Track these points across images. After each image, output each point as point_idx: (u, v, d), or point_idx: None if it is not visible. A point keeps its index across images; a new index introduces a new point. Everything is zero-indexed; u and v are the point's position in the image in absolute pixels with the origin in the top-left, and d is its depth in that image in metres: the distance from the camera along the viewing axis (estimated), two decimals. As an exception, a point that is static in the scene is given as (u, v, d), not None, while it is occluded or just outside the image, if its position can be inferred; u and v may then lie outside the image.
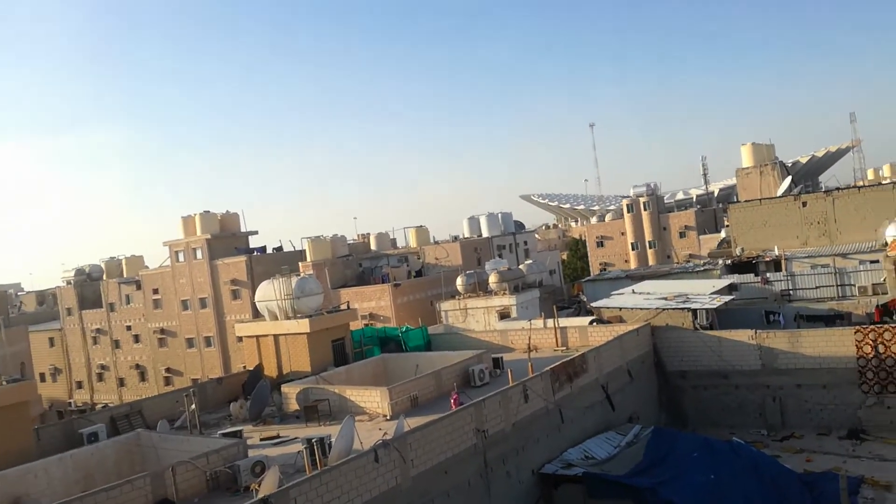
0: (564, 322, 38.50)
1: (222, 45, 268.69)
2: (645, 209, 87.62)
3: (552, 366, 28.36)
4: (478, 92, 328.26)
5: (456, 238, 71.19)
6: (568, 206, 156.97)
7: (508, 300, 47.09)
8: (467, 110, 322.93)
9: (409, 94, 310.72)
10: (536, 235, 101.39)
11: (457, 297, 50.15)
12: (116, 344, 68.13)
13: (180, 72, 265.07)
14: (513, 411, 25.15)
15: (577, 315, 43.98)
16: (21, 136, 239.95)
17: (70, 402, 70.54)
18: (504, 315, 46.62)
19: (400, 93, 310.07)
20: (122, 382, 67.69)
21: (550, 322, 38.01)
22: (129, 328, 67.06)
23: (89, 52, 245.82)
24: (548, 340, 37.36)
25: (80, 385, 71.37)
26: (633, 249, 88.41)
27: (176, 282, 62.38)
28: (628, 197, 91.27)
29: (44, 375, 71.52)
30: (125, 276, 69.20)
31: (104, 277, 70.75)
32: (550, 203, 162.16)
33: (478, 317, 48.07)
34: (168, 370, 63.54)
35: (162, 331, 63.83)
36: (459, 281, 50.86)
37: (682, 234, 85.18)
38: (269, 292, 37.03)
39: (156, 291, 64.22)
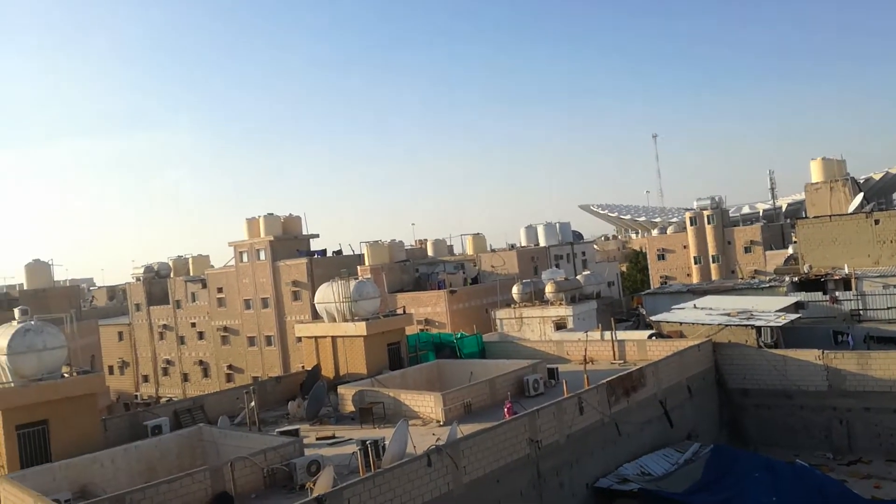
0: (622, 335, 37.96)
1: (289, 52, 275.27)
2: (709, 222, 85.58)
3: (609, 379, 27.99)
4: (539, 101, 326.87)
5: (513, 246, 70.98)
6: (628, 217, 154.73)
7: (565, 311, 46.67)
8: (528, 119, 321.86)
9: (469, 103, 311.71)
10: (595, 246, 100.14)
11: (512, 305, 49.98)
12: (181, 340, 70.27)
13: (250, 76, 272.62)
14: (567, 423, 24.91)
15: (636, 328, 43.27)
16: (96, 136, 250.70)
17: (136, 395, 73.10)
18: (560, 325, 46.22)
19: (460, 101, 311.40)
20: (185, 377, 69.75)
21: (608, 334, 37.52)
22: (193, 325, 69.05)
23: (162, 55, 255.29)
24: (605, 353, 36.89)
25: (146, 379, 73.87)
26: (695, 263, 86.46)
27: (239, 281, 64.01)
28: (692, 209, 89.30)
29: (112, 368, 74.31)
30: (192, 274, 71.35)
31: (172, 275, 73.10)
32: (610, 214, 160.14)
33: (533, 326, 47.79)
34: (230, 367, 65.22)
35: (225, 329, 65.55)
36: (515, 289, 50.67)
37: (747, 250, 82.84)
38: (328, 294, 37.69)
39: (220, 290, 66.02)
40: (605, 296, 54.66)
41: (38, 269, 54.64)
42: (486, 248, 70.23)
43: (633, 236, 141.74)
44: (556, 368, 32.95)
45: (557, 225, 71.73)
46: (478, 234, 71.42)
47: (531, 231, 71.80)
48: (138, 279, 75.49)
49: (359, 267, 58.48)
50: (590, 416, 25.94)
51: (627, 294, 70.85)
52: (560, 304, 47.38)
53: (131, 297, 76.03)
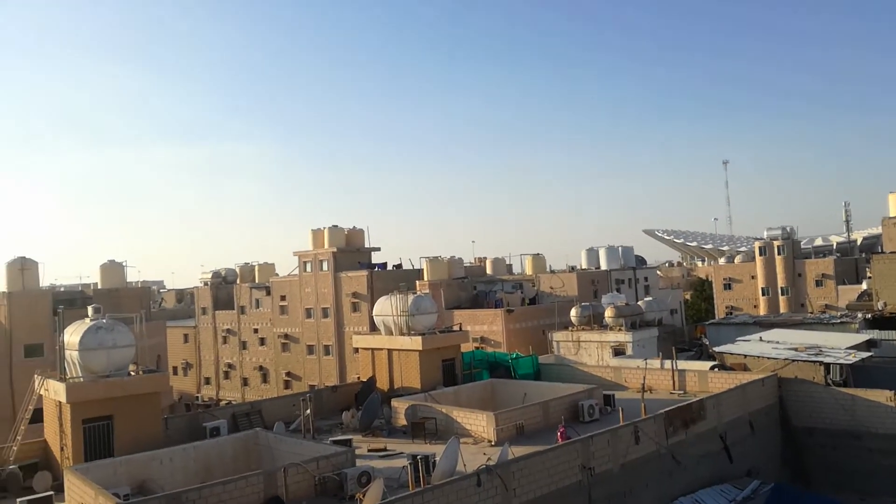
0: (683, 365, 37.04)
1: (356, 70, 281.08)
2: (779, 253, 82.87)
3: (667, 409, 27.34)
4: (607, 122, 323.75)
5: (573, 268, 70.23)
6: (695, 244, 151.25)
7: (624, 336, 45.86)
8: (594, 140, 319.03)
9: (535, 123, 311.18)
10: (658, 272, 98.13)
11: (570, 328, 49.40)
12: (244, 345, 71.96)
13: (320, 92, 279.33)
14: (622, 451, 24.42)
15: (698, 359, 42.10)
16: (175, 144, 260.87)
17: (197, 397, 75.10)
18: (619, 351, 45.43)
19: (526, 121, 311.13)
20: (245, 382, 71.33)
21: (668, 363, 36.69)
22: (256, 331, 70.66)
23: (238, 72, 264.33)
24: (664, 382, 36.04)
25: (207, 381, 75.86)
26: (763, 295, 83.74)
27: (302, 290, 65.28)
28: (761, 239, 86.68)
29: (176, 369, 76.56)
30: (257, 281, 73.09)
31: (238, 281, 75.01)
32: (676, 240, 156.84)
33: (590, 350, 47.11)
34: (288, 374, 66.39)
35: (286, 336, 66.86)
36: (574, 312, 50.09)
37: (818, 283, 79.83)
38: (387, 307, 38.08)
39: (283, 298, 67.43)
40: (666, 323, 53.45)
41: (112, 269, 56.95)
42: (545, 269, 69.73)
43: (699, 264, 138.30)
44: (613, 395, 32.38)
45: (620, 249, 70.68)
46: (537, 254, 71.02)
47: (592, 254, 70.97)
48: (206, 284, 77.67)
49: (417, 282, 58.88)
50: (646, 445, 25.36)
51: (690, 323, 69.06)
52: (619, 329, 46.57)
53: (198, 300, 78.28)
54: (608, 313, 47.69)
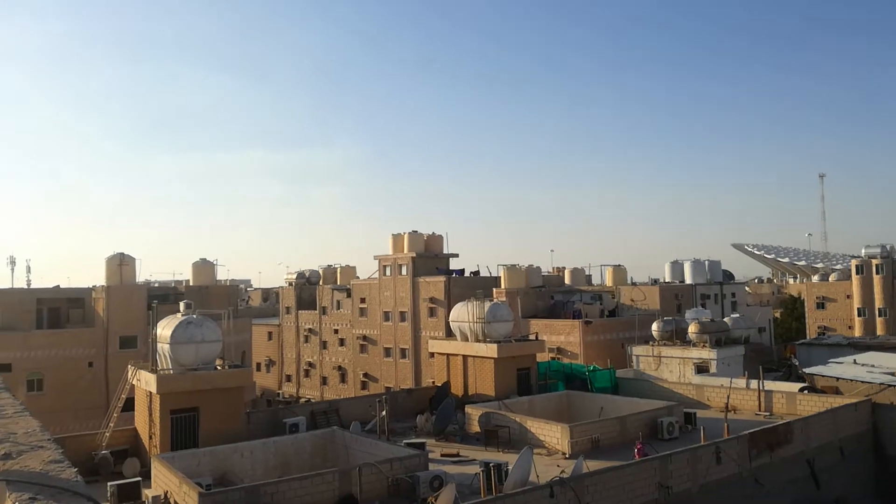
0: (770, 385, 35.51)
1: (437, 78, 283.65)
2: (877, 272, 78.37)
3: (751, 430, 26.29)
4: (694, 130, 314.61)
5: (655, 281, 68.44)
6: (786, 260, 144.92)
7: (708, 353, 44.37)
8: (682, 151, 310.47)
9: (621, 129, 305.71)
10: (747, 288, 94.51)
11: (651, 342, 48.19)
12: (324, 345, 73.64)
13: (403, 102, 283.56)
14: (702, 472, 23.62)
15: (787, 379, 40.31)
16: (260, 149, 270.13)
17: (278, 393, 77.30)
18: (702, 369, 43.96)
19: (608, 130, 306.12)
20: (324, 381, 72.94)
21: (754, 383, 35.25)
22: (336, 331, 72.20)
23: (327, 82, 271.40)
24: (749, 402, 34.66)
25: (288, 378, 78.00)
26: (859, 315, 79.31)
27: (381, 294, 66.31)
28: (859, 257, 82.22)
29: (259, 365, 79.06)
30: (338, 283, 74.70)
31: (320, 283, 76.89)
32: (766, 255, 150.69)
33: (672, 367, 45.80)
34: (365, 375, 67.50)
35: (364, 338, 68.04)
36: (655, 326, 48.85)
37: (921, 305, 74.95)
38: (463, 314, 38.20)
39: (363, 300, 68.67)
40: (754, 342, 51.41)
41: (203, 267, 59.47)
42: (626, 281, 68.30)
43: (791, 281, 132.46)
44: (694, 413, 31.38)
45: (706, 262, 68.44)
46: (619, 265, 69.64)
47: (677, 267, 69.02)
48: (290, 284, 79.91)
49: (494, 289, 58.77)
50: (727, 467, 24.44)
51: (779, 342, 66.19)
52: (703, 346, 45.10)
53: (283, 300, 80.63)
54: (692, 329, 46.28)
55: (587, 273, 72.20)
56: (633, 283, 66.99)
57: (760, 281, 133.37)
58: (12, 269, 57.80)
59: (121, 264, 50.36)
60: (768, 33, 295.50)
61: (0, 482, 5.43)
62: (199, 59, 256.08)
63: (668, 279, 68.68)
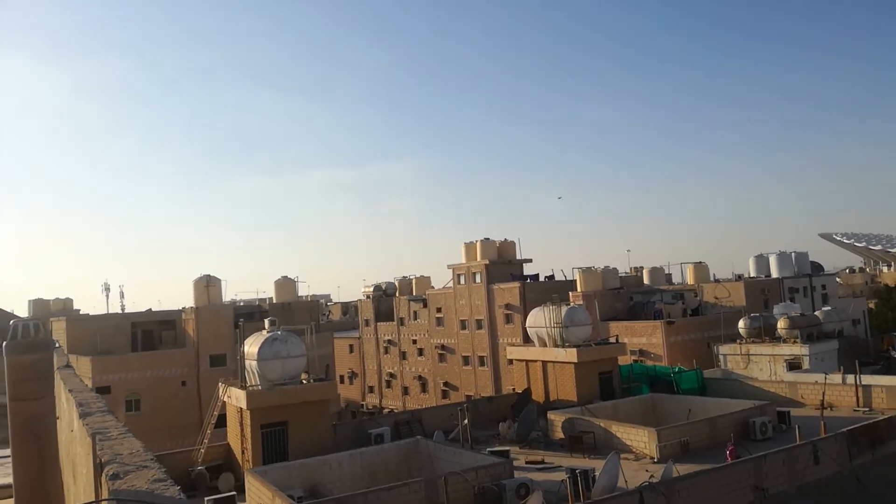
0: (868, 379, 33.77)
1: (507, 81, 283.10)
2: (984, 255, 73.42)
3: (850, 427, 25.08)
4: (773, 119, 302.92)
5: (740, 277, 66.17)
6: (879, 247, 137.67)
7: (800, 349, 42.58)
8: (763, 139, 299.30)
9: (694, 121, 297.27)
10: (838, 279, 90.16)
11: (738, 340, 46.61)
12: (403, 355, 74.49)
13: (469, 110, 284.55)
14: (799, 473, 22.68)
15: (886, 373, 38.22)
16: (329, 167, 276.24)
17: (362, 405, 78.61)
18: (794, 365, 42.23)
19: (685, 120, 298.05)
20: (406, 391, 73.73)
21: (851, 378, 33.63)
22: (414, 342, 72.94)
23: (395, 94, 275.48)
24: (846, 399, 33.07)
25: (371, 389, 79.23)
26: (964, 302, 74.45)
27: (456, 302, 66.61)
28: (961, 239, 77.26)
29: (343, 378, 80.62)
30: (414, 294, 75.52)
31: (397, 294, 77.90)
32: (857, 244, 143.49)
33: (762, 364, 44.15)
34: (445, 384, 67.86)
35: (442, 347, 68.45)
36: (742, 324, 47.25)
37: None
38: (540, 319, 37.94)
39: (439, 310, 69.14)
40: (848, 335, 49.00)
41: (285, 284, 61.23)
42: (708, 278, 66.30)
43: (885, 269, 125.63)
44: (788, 412, 30.19)
45: (793, 255, 65.75)
46: (700, 262, 67.67)
47: (762, 261, 66.56)
48: (368, 297, 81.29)
49: (571, 293, 58.09)
50: (826, 467, 23.38)
51: (876, 334, 62.69)
52: (794, 341, 43.33)
53: (362, 313, 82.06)
54: (781, 324, 44.55)
55: (667, 272, 70.53)
56: (716, 280, 64.98)
57: (852, 271, 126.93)
58: (107, 296, 61.12)
59: (207, 285, 52.41)
60: (854, 22, 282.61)
61: (111, 501, 5.78)
62: (271, 83, 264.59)
63: (752, 274, 66.33)
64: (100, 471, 7.57)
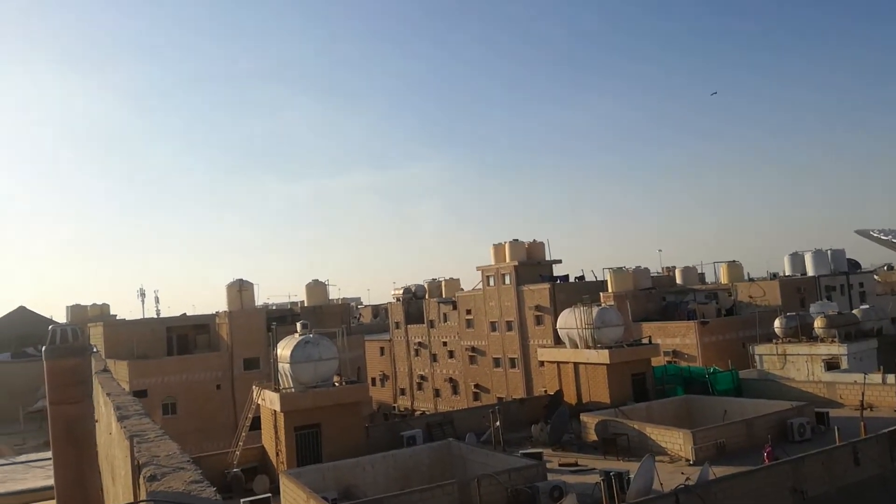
0: (910, 379, 32.99)
1: (533, 81, 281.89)
2: None
3: (892, 428, 24.47)
4: (807, 114, 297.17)
5: (775, 276, 65.06)
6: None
7: (837, 349, 41.72)
8: (799, 134, 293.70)
9: (720, 119, 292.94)
10: (876, 277, 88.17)
11: (774, 340, 45.83)
12: (434, 357, 74.57)
13: (496, 113, 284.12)
14: (839, 474, 22.21)
15: (929, 372, 37.28)
16: (358, 169, 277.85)
17: (394, 407, 78.87)
18: (832, 365, 41.39)
19: (714, 117, 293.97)
20: (437, 393, 73.79)
21: (892, 377, 32.88)
22: (445, 344, 72.96)
23: (413, 92, 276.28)
24: (887, 398, 32.31)
25: (402, 392, 79.46)
26: None
27: (486, 304, 66.50)
28: None
29: (374, 380, 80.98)
30: (444, 296, 75.53)
31: (426, 296, 78.04)
32: (895, 240, 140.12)
33: (799, 364, 43.35)
34: (476, 386, 67.76)
35: (472, 349, 68.39)
36: (778, 323, 46.45)
37: None
38: (571, 320, 37.70)
39: (468, 312, 69.08)
40: (887, 333, 47.87)
41: (316, 288, 61.77)
42: (742, 277, 65.28)
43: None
44: (827, 413, 29.57)
45: (829, 252, 64.47)
46: (733, 261, 66.65)
47: (797, 259, 65.38)
48: (398, 299, 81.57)
49: (601, 293, 57.64)
50: (867, 468, 22.85)
51: (918, 332, 61.15)
52: (832, 341, 42.47)
53: (392, 315, 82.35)
54: (818, 323, 43.71)
55: (699, 271, 69.60)
56: (751, 279, 63.96)
57: (890, 268, 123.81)
58: (142, 301, 62.22)
59: (240, 290, 53.09)
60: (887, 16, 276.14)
61: (149, 503, 5.87)
62: (301, 88, 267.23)
63: (788, 273, 65.21)
64: (138, 473, 7.70)
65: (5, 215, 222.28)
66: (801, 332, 44.93)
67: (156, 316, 59.94)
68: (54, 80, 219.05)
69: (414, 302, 79.22)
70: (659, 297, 60.10)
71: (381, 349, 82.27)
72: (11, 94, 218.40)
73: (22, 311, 67.63)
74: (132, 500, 7.60)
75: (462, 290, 73.25)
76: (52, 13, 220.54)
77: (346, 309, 69.38)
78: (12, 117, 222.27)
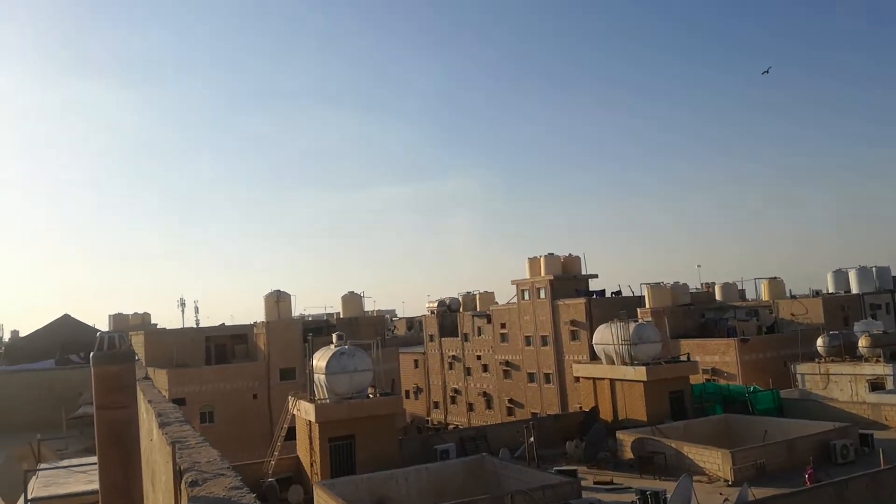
0: (961, 402, 31.92)
1: (567, 94, 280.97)
2: None
3: (941, 453, 23.73)
4: (849, 130, 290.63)
5: (817, 293, 63.61)
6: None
7: (883, 369, 40.58)
8: (836, 150, 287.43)
9: (759, 131, 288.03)
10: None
11: (816, 359, 44.78)
12: (468, 371, 74.39)
13: (530, 129, 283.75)
14: (884, 498, 21.58)
15: (981, 396, 36.04)
16: (392, 182, 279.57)
17: (427, 420, 78.78)
18: (876, 385, 40.26)
19: (752, 132, 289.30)
20: (470, 407, 73.53)
21: (941, 400, 31.82)
22: (479, 358, 72.74)
23: (450, 106, 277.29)
24: (936, 422, 31.29)
25: (436, 405, 79.36)
26: None
27: (521, 318, 66.22)
28: None
29: (408, 393, 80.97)
30: (478, 309, 75.43)
31: (461, 310, 78.00)
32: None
33: (842, 384, 42.26)
34: (510, 401, 67.39)
35: (507, 363, 68.08)
36: (820, 342, 45.40)
37: None
38: (607, 336, 37.35)
39: (503, 326, 68.85)
40: (936, 354, 46.44)
41: (352, 299, 62.23)
42: (784, 294, 63.96)
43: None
44: (871, 435, 28.79)
45: (874, 269, 62.86)
46: (775, 278, 65.37)
47: (840, 276, 63.86)
48: (432, 312, 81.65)
49: (639, 309, 56.98)
50: (916, 495, 22.14)
51: (968, 353, 59.14)
52: (877, 360, 41.35)
53: (426, 328, 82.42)
54: (862, 342, 42.63)
55: (740, 288, 68.44)
56: (793, 296, 62.63)
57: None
58: (182, 310, 63.35)
59: (278, 300, 53.72)
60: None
61: (192, 507, 6.01)
62: (336, 102, 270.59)
63: (831, 290, 63.71)
64: (179, 478, 7.86)
65: (52, 225, 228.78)
66: (845, 351, 43.86)
67: (195, 325, 61.00)
68: (106, 93, 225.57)
69: (448, 315, 79.23)
70: (698, 313, 59.20)
71: (415, 362, 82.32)
72: (67, 107, 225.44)
73: (65, 319, 69.33)
74: (173, 505, 7.78)
75: (496, 303, 73.07)
76: (106, 31, 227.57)
77: (381, 321, 69.73)
78: (67, 129, 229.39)
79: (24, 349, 64.09)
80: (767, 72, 52.33)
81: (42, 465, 33.34)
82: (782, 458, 26.33)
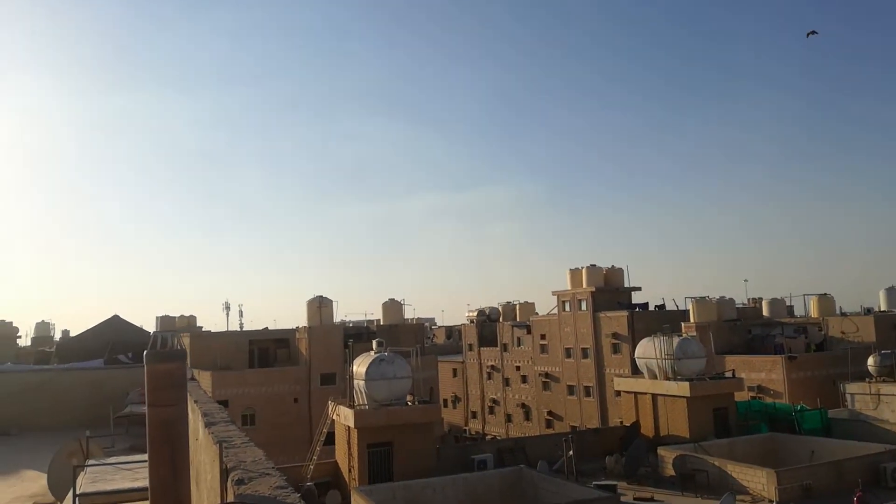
0: None
1: (612, 101, 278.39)
2: None
3: None
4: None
5: (869, 311, 61.73)
6: None
7: (939, 391, 39.13)
8: (887, 155, 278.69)
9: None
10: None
11: (867, 379, 43.39)
12: (506, 382, 74.06)
13: (571, 138, 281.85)
14: (938, 527, 20.80)
15: None
16: (434, 191, 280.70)
17: (465, 430, 78.59)
18: (932, 408, 38.79)
19: (800, 139, 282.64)
20: (508, 418, 73.15)
21: None
22: (518, 368, 72.39)
23: (493, 116, 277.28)
24: None
25: (474, 415, 79.15)
26: None
27: (561, 330, 65.71)
28: None
29: (446, 401, 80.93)
30: (518, 320, 75.12)
31: (500, 319, 77.74)
32: None
33: (894, 406, 40.84)
34: (549, 413, 66.84)
35: (546, 375, 67.58)
36: (872, 361, 43.96)
37: None
38: (650, 350, 36.85)
39: (543, 337, 68.39)
40: None
41: (392, 306, 62.57)
42: (834, 311, 62.22)
43: None
44: (924, 459, 27.74)
45: (929, 287, 60.81)
46: (825, 294, 63.67)
47: (893, 294, 61.91)
48: (472, 321, 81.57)
49: (683, 323, 56.02)
50: (972, 523, 21.31)
51: None
52: (932, 382, 39.89)
53: (465, 337, 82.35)
54: (916, 363, 41.18)
55: (788, 304, 66.82)
56: (843, 314, 60.89)
57: None
58: (227, 314, 64.49)
59: (320, 306, 54.36)
60: None
61: (239, 504, 6.15)
62: (379, 110, 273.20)
63: (883, 308, 61.78)
64: (226, 476, 8.04)
65: (101, 229, 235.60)
66: (898, 371, 42.39)
67: (239, 329, 62.03)
68: (157, 102, 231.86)
69: (487, 324, 79.04)
70: (744, 329, 57.98)
71: (454, 371, 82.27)
72: (120, 115, 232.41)
73: (115, 320, 71.14)
74: (220, 502, 7.94)
75: (537, 314, 72.68)
76: (156, 41, 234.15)
77: (421, 329, 69.84)
78: (119, 137, 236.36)
79: (73, 349, 65.86)
80: (812, 34, 51.30)
81: (90, 462, 34.24)
82: (830, 480, 25.62)
